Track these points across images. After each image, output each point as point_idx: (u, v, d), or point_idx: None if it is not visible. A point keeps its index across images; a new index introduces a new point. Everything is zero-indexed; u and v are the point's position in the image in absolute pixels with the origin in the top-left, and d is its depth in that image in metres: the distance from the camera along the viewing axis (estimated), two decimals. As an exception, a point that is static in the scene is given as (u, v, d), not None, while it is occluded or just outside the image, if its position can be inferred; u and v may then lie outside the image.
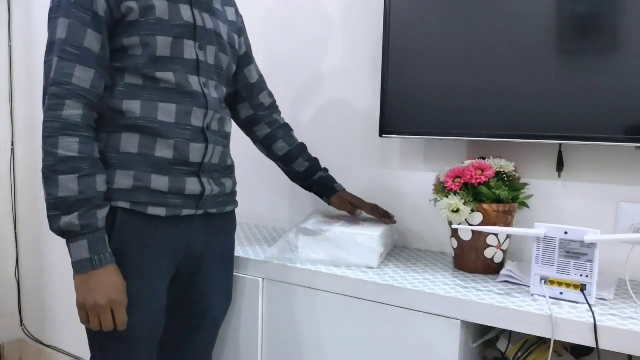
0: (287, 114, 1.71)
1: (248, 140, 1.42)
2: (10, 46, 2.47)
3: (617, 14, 1.09)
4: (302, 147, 1.40)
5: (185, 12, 1.08)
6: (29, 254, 2.53)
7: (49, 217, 0.97)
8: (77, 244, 0.97)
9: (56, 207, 0.96)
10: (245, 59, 1.32)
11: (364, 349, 1.16)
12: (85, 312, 1.00)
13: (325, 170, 1.41)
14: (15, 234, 2.56)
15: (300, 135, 1.69)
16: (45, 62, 1.00)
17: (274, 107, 1.39)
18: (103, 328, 1.00)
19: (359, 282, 1.15)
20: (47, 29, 1.01)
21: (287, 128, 1.40)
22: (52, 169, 0.96)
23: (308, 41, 1.66)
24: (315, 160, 1.40)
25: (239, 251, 1.35)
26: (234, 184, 1.25)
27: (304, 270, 1.23)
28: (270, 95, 1.39)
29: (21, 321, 2.59)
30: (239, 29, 1.27)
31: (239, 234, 1.59)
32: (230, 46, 1.20)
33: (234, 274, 1.33)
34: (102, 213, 1.00)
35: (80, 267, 0.98)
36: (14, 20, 2.46)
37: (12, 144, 2.51)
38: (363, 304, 1.15)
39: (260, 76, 1.37)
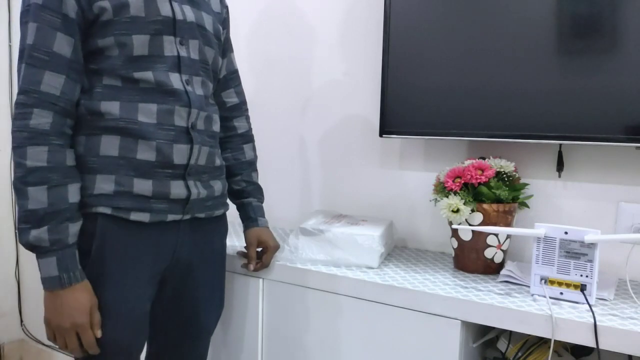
0: (286, 115, 1.72)
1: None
2: (10, 46, 2.46)
3: (617, 14, 1.09)
4: (248, 164, 1.30)
5: (163, 5, 1.01)
6: (29, 254, 2.52)
7: (19, 230, 0.94)
8: (45, 260, 0.94)
9: (25, 220, 0.92)
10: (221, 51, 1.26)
11: (364, 349, 1.16)
12: (52, 331, 0.97)
13: (260, 200, 1.32)
14: (16, 234, 2.55)
15: (300, 136, 1.69)
16: (18, 70, 0.96)
17: (237, 109, 1.29)
18: (69, 351, 0.97)
19: (359, 282, 1.15)
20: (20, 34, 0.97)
21: (243, 139, 1.30)
22: (22, 180, 0.92)
23: (308, 41, 1.66)
24: (254, 185, 1.30)
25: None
26: (224, 186, 1.19)
27: (304, 270, 1.23)
28: (239, 94, 1.30)
29: (21, 321, 2.59)
30: (223, 19, 1.21)
31: (239, 234, 1.59)
32: (216, 38, 1.14)
33: (235, 274, 1.33)
34: (74, 227, 0.96)
35: (48, 285, 0.94)
36: (14, 20, 2.45)
37: (12, 144, 2.51)
38: (363, 304, 1.15)
39: (231, 72, 1.28)
